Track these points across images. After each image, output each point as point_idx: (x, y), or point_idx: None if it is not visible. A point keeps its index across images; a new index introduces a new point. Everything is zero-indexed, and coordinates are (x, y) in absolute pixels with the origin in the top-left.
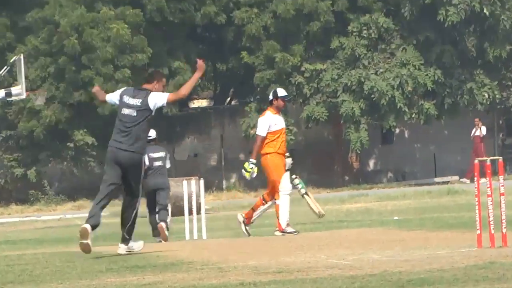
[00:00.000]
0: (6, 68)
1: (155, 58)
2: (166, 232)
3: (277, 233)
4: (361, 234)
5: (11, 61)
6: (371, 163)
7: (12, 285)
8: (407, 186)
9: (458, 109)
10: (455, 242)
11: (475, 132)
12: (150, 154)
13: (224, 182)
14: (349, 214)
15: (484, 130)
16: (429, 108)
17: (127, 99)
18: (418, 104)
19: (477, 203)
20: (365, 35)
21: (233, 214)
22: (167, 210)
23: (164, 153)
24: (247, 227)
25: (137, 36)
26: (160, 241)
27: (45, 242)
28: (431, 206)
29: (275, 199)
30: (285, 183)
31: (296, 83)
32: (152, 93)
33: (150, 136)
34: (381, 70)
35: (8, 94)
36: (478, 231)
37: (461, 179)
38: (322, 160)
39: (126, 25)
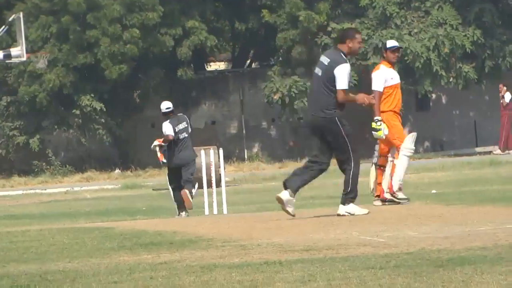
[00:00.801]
0: (4, 28)
1: (167, 17)
2: (191, 199)
3: (381, 200)
4: (396, 209)
5: (9, 20)
6: (406, 132)
7: (15, 263)
8: (445, 156)
9: (500, 72)
10: (499, 218)
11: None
12: (175, 127)
13: (245, 151)
14: None
15: (508, 97)
16: (468, 71)
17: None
18: (456, 67)
19: None
20: None
21: (256, 187)
22: (193, 182)
23: (186, 122)
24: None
25: None
26: (187, 215)
27: (51, 217)
28: (472, 178)
29: (393, 158)
30: (408, 143)
31: (323, 44)
32: (338, 67)
33: (169, 108)
34: (415, 30)
35: (7, 56)
36: None
37: (493, 151)
38: (353, 127)
39: None
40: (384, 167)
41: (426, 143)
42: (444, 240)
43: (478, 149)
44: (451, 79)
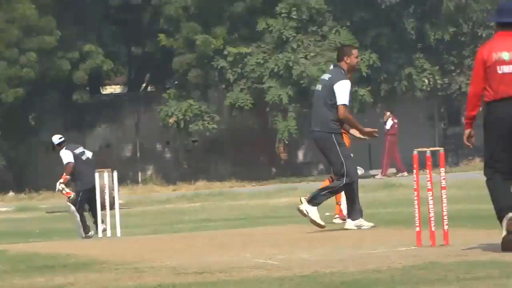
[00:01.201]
0: None
1: (64, 40)
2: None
3: (341, 219)
4: (289, 231)
5: None
6: (300, 154)
7: None
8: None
9: (396, 96)
10: (392, 240)
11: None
12: (74, 152)
13: (139, 174)
14: (276, 210)
15: (389, 123)
16: (363, 95)
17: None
18: (352, 90)
19: (416, 198)
20: (294, 17)
21: (150, 210)
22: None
23: (82, 147)
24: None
25: (45, 17)
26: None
27: None
28: (366, 201)
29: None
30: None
31: (219, 67)
32: (338, 83)
33: (61, 138)
34: (311, 54)
35: None
36: (418, 228)
37: (376, 176)
38: (247, 151)
39: (33, 5)
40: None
41: (320, 166)
42: (337, 262)
43: (372, 172)
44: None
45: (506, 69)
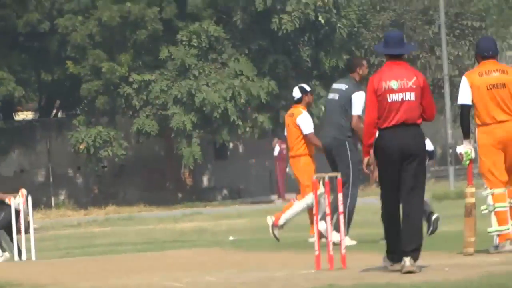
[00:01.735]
0: None
1: None
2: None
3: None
4: (196, 255)
5: None
6: (205, 180)
7: None
8: (242, 204)
9: None
10: (294, 264)
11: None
12: None
13: (52, 199)
14: (183, 234)
15: (277, 149)
16: (263, 121)
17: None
18: (252, 117)
19: (316, 222)
20: (195, 44)
21: (63, 234)
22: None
23: None
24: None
25: None
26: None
27: None
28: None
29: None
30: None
31: (125, 94)
32: (355, 93)
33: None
34: (212, 81)
35: None
36: (317, 252)
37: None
38: (153, 177)
39: None
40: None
41: (224, 191)
42: (241, 285)
43: (273, 197)
44: (247, 129)
45: (395, 97)
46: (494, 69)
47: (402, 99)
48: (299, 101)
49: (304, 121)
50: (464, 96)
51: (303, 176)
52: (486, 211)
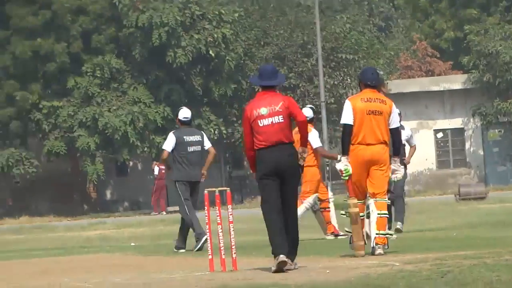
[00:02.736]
0: None
1: None
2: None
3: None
4: (101, 259)
5: None
6: (108, 193)
7: None
8: (142, 214)
9: None
10: (189, 266)
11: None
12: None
13: None
14: (89, 241)
15: (156, 170)
16: (160, 142)
17: None
18: (149, 138)
19: (208, 230)
20: (98, 75)
21: None
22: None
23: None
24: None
25: None
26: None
27: None
28: (165, 233)
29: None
30: (311, 199)
31: (36, 119)
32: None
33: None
34: (114, 108)
35: None
36: (210, 256)
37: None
38: (62, 190)
39: None
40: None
41: (126, 203)
42: (143, 285)
43: (169, 208)
44: (145, 149)
45: (265, 121)
46: (375, 97)
47: (272, 122)
48: (311, 120)
49: (314, 137)
50: (347, 117)
51: (306, 184)
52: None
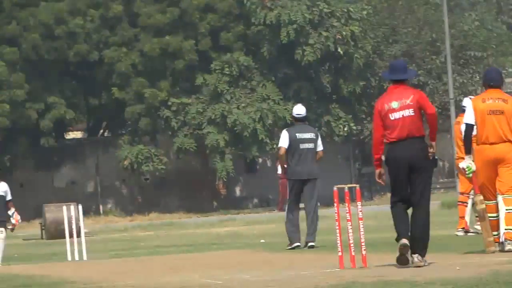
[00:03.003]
0: None
1: (32, 93)
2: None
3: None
4: (231, 255)
5: None
6: (237, 190)
7: None
8: (271, 211)
9: None
10: (319, 263)
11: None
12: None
13: (101, 207)
14: (219, 237)
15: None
16: None
17: None
18: (278, 136)
19: (337, 227)
20: (227, 72)
21: (111, 237)
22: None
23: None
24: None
25: (15, 73)
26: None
27: None
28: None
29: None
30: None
31: (165, 116)
32: None
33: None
34: (242, 105)
35: None
36: (340, 253)
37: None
38: (191, 187)
39: (3, 63)
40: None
41: (255, 200)
42: (273, 282)
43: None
44: (274, 146)
45: (396, 115)
46: (497, 97)
47: (403, 115)
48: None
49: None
50: (469, 117)
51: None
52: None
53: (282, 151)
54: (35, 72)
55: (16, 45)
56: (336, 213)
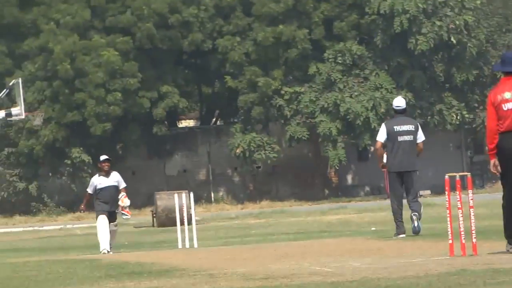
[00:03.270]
0: (6, 91)
1: (145, 82)
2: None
3: None
4: (341, 243)
5: (10, 84)
6: (349, 178)
7: None
8: (382, 199)
9: (429, 128)
10: (429, 251)
11: None
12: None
13: (212, 195)
14: (330, 225)
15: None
16: None
17: None
18: None
19: (448, 215)
20: (340, 61)
21: (222, 225)
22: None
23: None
24: None
25: (128, 62)
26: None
27: (47, 250)
28: (406, 217)
29: None
30: None
31: (277, 105)
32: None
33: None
34: (355, 93)
35: (8, 114)
36: (450, 241)
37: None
38: (303, 175)
39: (116, 52)
40: None
41: (367, 188)
42: (383, 270)
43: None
44: None
45: (509, 105)
46: None
47: None
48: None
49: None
50: None
51: None
52: None
53: (377, 145)
54: (148, 61)
55: (130, 34)
56: (447, 201)
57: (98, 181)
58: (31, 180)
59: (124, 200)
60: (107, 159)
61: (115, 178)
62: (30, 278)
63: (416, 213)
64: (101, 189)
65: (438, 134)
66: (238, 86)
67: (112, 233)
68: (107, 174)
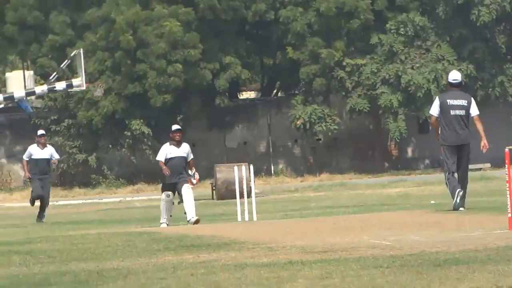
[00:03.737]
0: (67, 62)
1: (207, 53)
2: None
3: None
4: (401, 216)
5: (71, 55)
6: (409, 151)
7: (76, 262)
8: (442, 172)
9: (490, 100)
10: (488, 225)
11: None
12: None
13: (272, 167)
14: (389, 198)
15: None
16: None
17: None
18: None
19: (508, 188)
20: (402, 32)
21: (281, 198)
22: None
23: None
24: None
25: (190, 32)
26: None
27: (106, 223)
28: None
29: None
30: None
31: (339, 77)
32: None
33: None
34: (417, 65)
35: (69, 86)
36: (510, 214)
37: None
38: (363, 148)
39: (178, 23)
40: None
41: (426, 161)
42: (441, 243)
43: (470, 166)
44: None
45: None
46: None
47: None
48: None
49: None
50: None
51: None
52: None
53: (432, 119)
54: (210, 32)
55: (192, 5)
56: (507, 174)
57: (169, 150)
58: (91, 152)
59: (197, 178)
60: (179, 129)
61: (185, 150)
62: (88, 250)
63: (462, 191)
64: (170, 158)
65: (499, 107)
66: (299, 58)
67: (189, 197)
68: (178, 144)
